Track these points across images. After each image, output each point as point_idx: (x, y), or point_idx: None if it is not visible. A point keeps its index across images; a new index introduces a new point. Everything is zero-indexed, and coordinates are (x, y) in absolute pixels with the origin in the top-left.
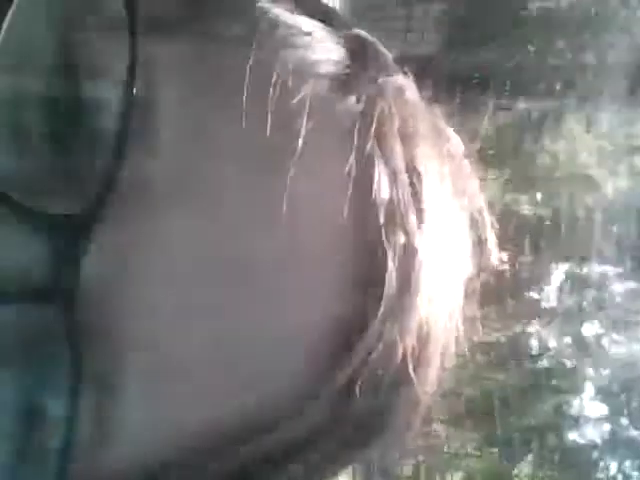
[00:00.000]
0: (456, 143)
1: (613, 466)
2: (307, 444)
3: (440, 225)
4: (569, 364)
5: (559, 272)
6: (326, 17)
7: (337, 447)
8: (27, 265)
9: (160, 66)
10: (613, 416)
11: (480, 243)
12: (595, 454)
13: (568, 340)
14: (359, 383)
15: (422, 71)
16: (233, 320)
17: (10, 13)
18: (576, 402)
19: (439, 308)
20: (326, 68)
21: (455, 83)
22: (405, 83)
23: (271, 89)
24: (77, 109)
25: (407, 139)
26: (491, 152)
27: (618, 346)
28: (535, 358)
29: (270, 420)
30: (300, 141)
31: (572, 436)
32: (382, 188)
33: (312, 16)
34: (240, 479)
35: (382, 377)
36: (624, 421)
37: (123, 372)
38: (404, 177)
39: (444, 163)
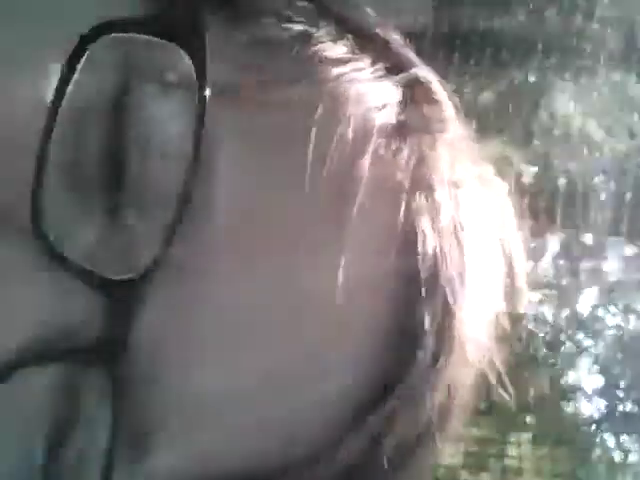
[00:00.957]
0: (499, 187)
1: (611, 441)
2: None
3: (478, 276)
4: (565, 337)
5: (555, 241)
6: (389, 57)
7: None
8: (79, 324)
9: (222, 131)
10: (610, 390)
11: (511, 286)
12: (592, 428)
13: (566, 312)
14: (387, 434)
15: (420, 38)
16: (273, 376)
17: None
18: (573, 376)
19: (470, 364)
20: (383, 117)
21: (453, 50)
22: (456, 132)
23: (328, 158)
24: (139, 176)
25: (455, 191)
26: (492, 115)
27: (614, 318)
28: (532, 333)
29: (296, 464)
30: (355, 208)
31: (569, 410)
32: (427, 244)
33: (373, 55)
34: None
35: (409, 430)
36: (620, 394)
37: (160, 430)
38: (450, 235)
39: (486, 210)
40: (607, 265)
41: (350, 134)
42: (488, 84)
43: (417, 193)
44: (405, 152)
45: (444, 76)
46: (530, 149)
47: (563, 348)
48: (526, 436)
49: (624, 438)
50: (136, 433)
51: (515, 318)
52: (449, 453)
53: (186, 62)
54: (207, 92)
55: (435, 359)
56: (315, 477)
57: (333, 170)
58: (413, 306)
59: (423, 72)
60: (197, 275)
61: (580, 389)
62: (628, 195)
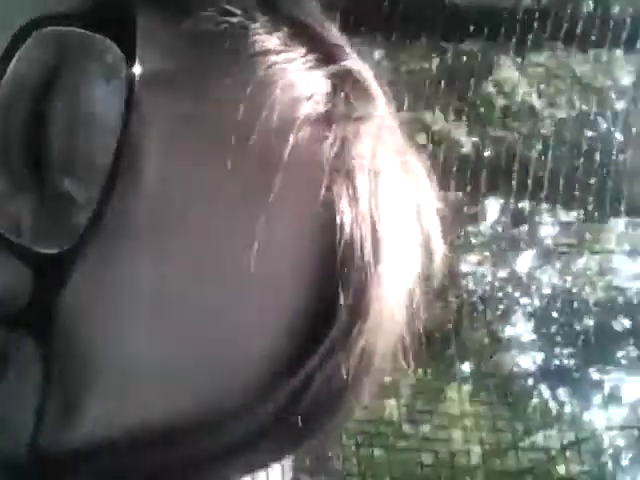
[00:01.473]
0: (421, 173)
1: (546, 393)
2: (249, 443)
3: (395, 257)
4: (503, 295)
5: (494, 206)
6: (322, 48)
7: (272, 448)
8: (10, 292)
9: (150, 115)
10: (546, 345)
11: (429, 264)
12: (529, 381)
13: (503, 273)
14: (305, 391)
15: (366, 13)
16: (192, 344)
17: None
18: (509, 331)
19: (384, 333)
20: (310, 107)
21: (399, 25)
22: (383, 122)
23: (252, 143)
24: (69, 154)
25: (374, 178)
26: (437, 86)
27: (550, 276)
28: (471, 292)
29: (219, 419)
30: (276, 186)
31: (507, 364)
32: (344, 226)
33: (307, 46)
34: (184, 474)
35: (324, 392)
36: (557, 350)
37: (87, 391)
38: (367, 221)
39: (406, 195)
40: (544, 230)
41: (275, 120)
42: (433, 55)
43: (338, 179)
44: (329, 139)
45: (388, 47)
46: (472, 119)
47: (501, 305)
48: (465, 387)
49: (559, 391)
50: (65, 395)
51: (453, 276)
52: (389, 406)
53: (117, 52)
54: (136, 79)
55: (349, 328)
56: (242, 430)
57: (258, 154)
58: (331, 281)
59: (354, 64)
60: (122, 251)
61: (517, 344)
62: (566, 164)
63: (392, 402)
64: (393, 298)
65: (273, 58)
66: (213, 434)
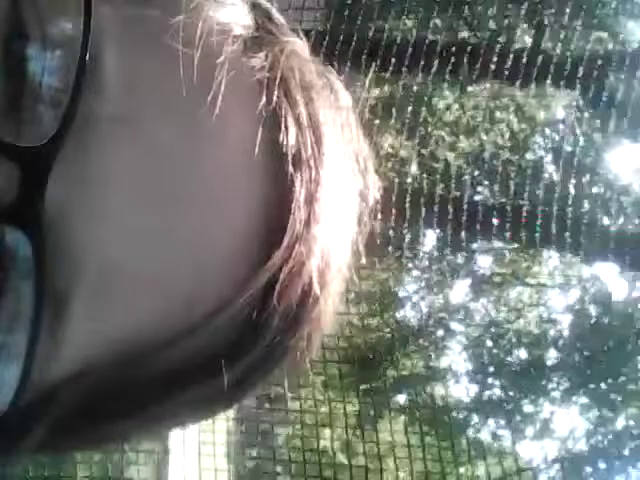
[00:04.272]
0: (344, 96)
1: (480, 423)
2: (215, 362)
3: (335, 165)
4: (438, 323)
5: (431, 235)
6: None
7: (237, 377)
8: None
9: (107, 23)
10: (480, 376)
11: (364, 183)
12: (464, 412)
13: (439, 301)
14: (273, 295)
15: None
16: (168, 238)
17: None
18: (445, 362)
19: (337, 237)
20: (239, 30)
21: (343, 54)
22: (300, 45)
23: (195, 48)
24: (39, 54)
25: (306, 91)
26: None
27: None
28: (405, 320)
29: (190, 325)
30: (221, 91)
31: (442, 394)
32: (289, 131)
33: None
34: (148, 392)
35: (292, 293)
36: (490, 380)
37: (75, 299)
38: (306, 122)
39: (335, 112)
40: (480, 259)
41: (212, 32)
42: (379, 84)
43: (275, 90)
44: (260, 56)
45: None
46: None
47: (435, 334)
48: (400, 418)
49: (491, 422)
50: (55, 302)
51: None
52: (325, 437)
53: None
54: None
55: (307, 227)
56: (207, 344)
57: (201, 58)
58: (283, 181)
59: (269, 6)
60: (97, 145)
61: (451, 374)
62: (501, 192)
63: (327, 432)
64: (339, 199)
65: None
66: (187, 342)
